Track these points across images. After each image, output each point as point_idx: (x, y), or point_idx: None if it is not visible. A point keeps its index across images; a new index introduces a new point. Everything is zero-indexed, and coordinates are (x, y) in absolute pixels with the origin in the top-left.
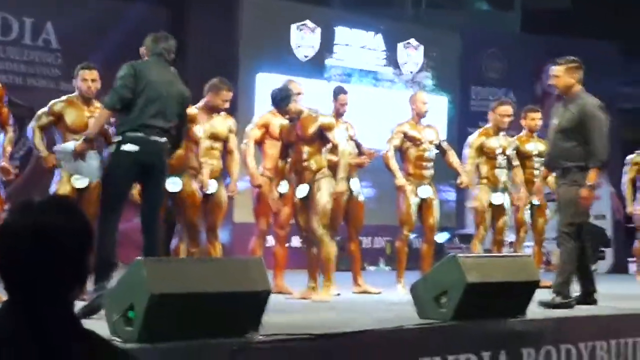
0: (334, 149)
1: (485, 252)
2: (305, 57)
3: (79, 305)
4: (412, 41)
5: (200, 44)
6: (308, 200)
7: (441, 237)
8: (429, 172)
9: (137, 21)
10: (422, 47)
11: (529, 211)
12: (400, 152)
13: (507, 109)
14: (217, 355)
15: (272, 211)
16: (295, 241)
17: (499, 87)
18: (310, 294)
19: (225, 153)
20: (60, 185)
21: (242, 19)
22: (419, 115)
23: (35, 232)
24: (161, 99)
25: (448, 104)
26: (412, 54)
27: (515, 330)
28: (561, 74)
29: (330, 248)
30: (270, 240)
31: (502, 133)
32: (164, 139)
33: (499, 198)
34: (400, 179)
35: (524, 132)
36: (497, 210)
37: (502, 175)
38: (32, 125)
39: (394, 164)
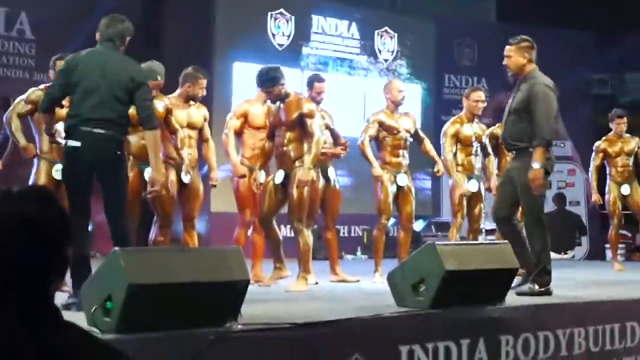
0: (309, 138)
1: (461, 240)
2: (281, 45)
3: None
4: (388, 29)
5: (175, 33)
6: (284, 187)
7: (417, 226)
8: (405, 161)
9: (112, 11)
10: (397, 36)
11: None
12: (377, 140)
13: (480, 95)
14: (195, 345)
15: (254, 201)
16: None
17: (472, 75)
18: (278, 274)
19: (201, 142)
20: (38, 175)
21: (217, 7)
22: (394, 104)
23: (14, 221)
24: (100, 89)
25: (423, 91)
26: (387, 42)
27: (493, 317)
28: (512, 53)
29: (307, 239)
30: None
31: (476, 120)
32: (110, 131)
33: (474, 185)
34: (377, 169)
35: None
36: (473, 198)
37: (477, 162)
38: (8, 114)
39: (370, 153)
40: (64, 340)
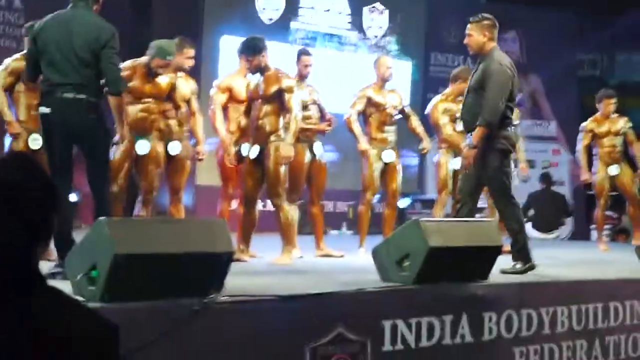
0: (287, 113)
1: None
2: (270, 20)
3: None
4: (378, 5)
5: (164, 7)
6: (259, 162)
7: (403, 203)
8: (392, 137)
9: None
10: (387, 12)
11: None
12: (364, 116)
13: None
14: (179, 315)
15: (238, 175)
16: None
17: (458, 54)
18: (239, 256)
19: (189, 115)
20: (15, 144)
21: None
22: (382, 80)
23: None
24: (65, 53)
25: (412, 68)
26: (376, 18)
27: (477, 294)
28: (473, 32)
29: (289, 213)
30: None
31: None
32: (80, 95)
33: (458, 162)
34: (364, 144)
35: None
36: (458, 175)
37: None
38: None
39: (357, 129)
40: (50, 307)
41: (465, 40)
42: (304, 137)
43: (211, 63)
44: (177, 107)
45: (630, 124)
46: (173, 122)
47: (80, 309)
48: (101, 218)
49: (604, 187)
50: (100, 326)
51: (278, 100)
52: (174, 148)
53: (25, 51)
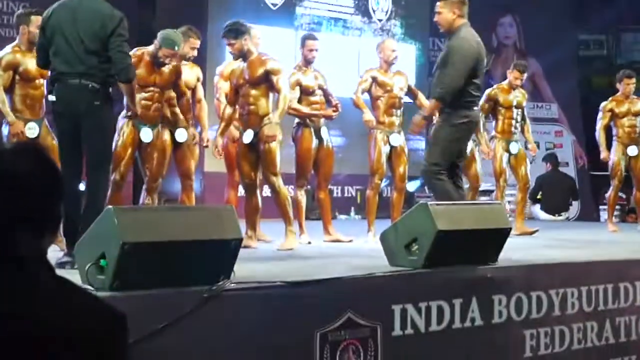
0: (276, 94)
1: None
2: (275, 5)
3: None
4: None
5: None
6: (254, 146)
7: (411, 186)
8: (399, 120)
9: None
10: None
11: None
12: (371, 99)
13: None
14: (188, 302)
15: None
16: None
17: None
18: (247, 242)
19: (194, 102)
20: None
21: None
22: (387, 63)
23: (6, 178)
24: (71, 41)
25: (417, 52)
26: (381, 2)
27: (486, 277)
28: (442, 9)
29: (286, 194)
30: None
31: None
32: (86, 81)
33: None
34: (368, 114)
35: (505, 83)
36: (467, 159)
37: None
38: None
39: (362, 102)
40: (58, 297)
41: (435, 18)
42: (311, 122)
43: (217, 49)
44: (182, 95)
45: None
46: (179, 110)
47: (88, 298)
48: (109, 207)
49: (620, 168)
50: (108, 315)
51: (265, 83)
52: (181, 135)
53: (16, 41)
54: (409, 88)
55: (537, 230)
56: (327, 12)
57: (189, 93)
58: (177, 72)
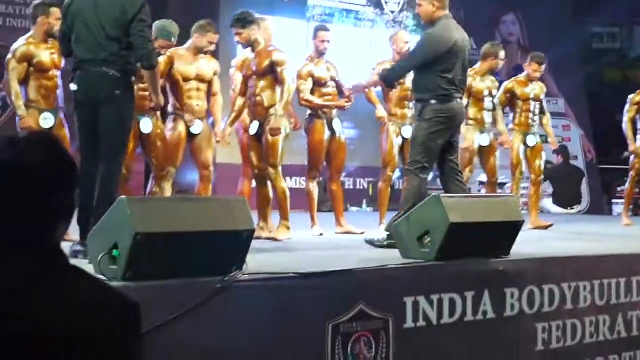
0: (281, 86)
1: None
2: None
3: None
4: None
5: None
6: (260, 137)
7: None
8: (411, 112)
9: None
10: None
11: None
12: (383, 92)
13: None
14: (201, 293)
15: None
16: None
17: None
18: (259, 233)
19: (210, 95)
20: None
21: None
22: (399, 55)
23: (18, 167)
24: (92, 28)
25: None
26: None
27: (498, 270)
28: (422, 2)
29: (283, 188)
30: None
31: (488, 75)
32: (106, 69)
33: (485, 139)
34: (381, 110)
35: (523, 75)
36: (486, 151)
37: (488, 117)
38: (6, 79)
39: (375, 97)
40: (72, 285)
41: (417, 10)
42: (323, 114)
43: (229, 42)
44: (174, 83)
45: None
46: (195, 102)
47: (102, 288)
48: (122, 197)
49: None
50: (122, 304)
51: (272, 75)
52: (196, 127)
53: (30, 33)
54: None
55: (552, 225)
56: (339, 4)
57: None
58: (170, 62)
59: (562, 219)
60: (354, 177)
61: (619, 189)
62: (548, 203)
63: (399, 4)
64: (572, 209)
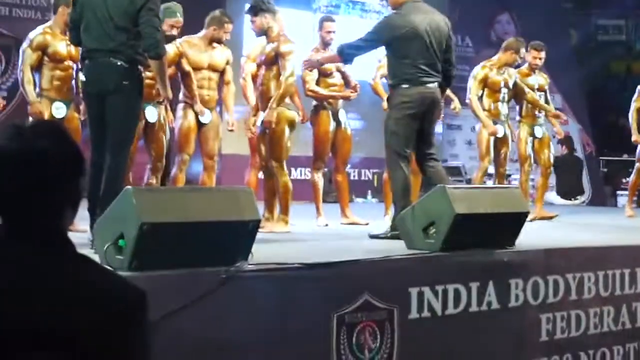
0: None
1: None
2: None
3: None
4: None
5: None
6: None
7: None
8: None
9: None
10: None
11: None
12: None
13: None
14: (206, 283)
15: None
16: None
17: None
18: (264, 224)
19: (222, 84)
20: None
21: None
22: None
23: (23, 156)
24: (99, 17)
25: None
26: None
27: (503, 261)
28: None
29: (285, 181)
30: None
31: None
32: (114, 59)
33: (501, 130)
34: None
35: (525, 67)
36: (499, 143)
37: (503, 109)
38: (21, 66)
39: (382, 90)
40: (80, 273)
41: None
42: (329, 105)
43: (235, 31)
44: (184, 74)
45: None
46: (206, 92)
47: (109, 275)
48: (128, 187)
49: None
50: (129, 291)
51: (276, 65)
52: (205, 117)
53: (49, 23)
54: None
55: (557, 215)
56: None
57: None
58: (180, 53)
59: (566, 210)
60: (359, 168)
61: (624, 180)
62: (552, 195)
63: None
64: (576, 199)
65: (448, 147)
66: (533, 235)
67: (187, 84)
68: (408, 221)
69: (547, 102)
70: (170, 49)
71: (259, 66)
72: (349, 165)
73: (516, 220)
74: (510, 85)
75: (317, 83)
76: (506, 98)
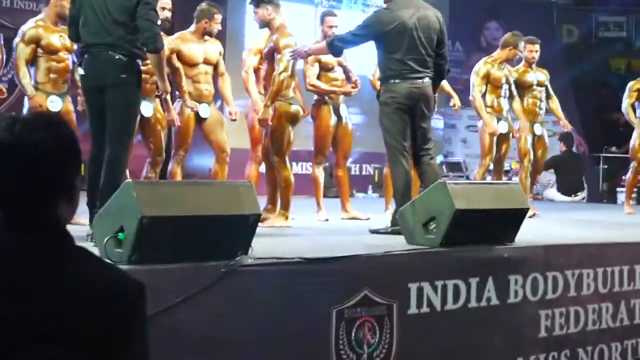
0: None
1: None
2: None
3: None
4: None
5: None
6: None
7: None
8: None
9: None
10: None
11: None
12: None
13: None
14: (206, 277)
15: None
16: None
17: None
18: (266, 216)
19: (216, 77)
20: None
21: None
22: None
23: (19, 147)
24: (97, 12)
25: None
26: None
27: (503, 257)
28: None
29: (286, 176)
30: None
31: (506, 64)
32: (112, 53)
33: (503, 127)
34: None
35: (521, 64)
36: (501, 140)
37: (505, 104)
38: (15, 62)
39: None
40: (79, 265)
41: None
42: (330, 99)
43: (236, 24)
44: (173, 71)
45: None
46: (204, 87)
47: (108, 268)
48: (128, 180)
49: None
50: (128, 283)
51: (274, 59)
52: (204, 111)
53: (41, 15)
54: None
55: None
56: None
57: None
58: (172, 50)
59: (567, 206)
60: (359, 163)
61: (623, 177)
62: (552, 192)
63: None
64: (576, 196)
65: (446, 145)
66: (533, 232)
67: (177, 80)
68: (408, 216)
69: (548, 97)
70: (165, 46)
71: (262, 59)
72: (349, 160)
73: (516, 217)
74: (511, 81)
75: (319, 78)
76: (507, 94)
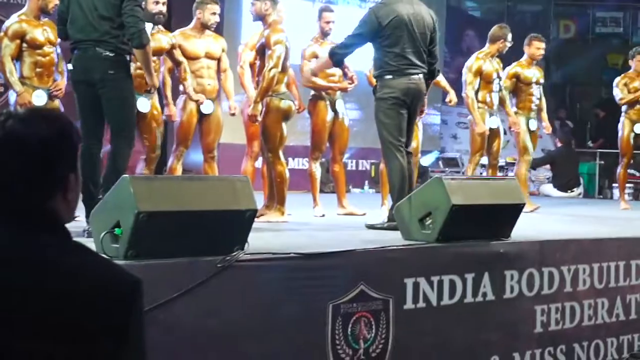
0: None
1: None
2: None
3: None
4: None
5: None
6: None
7: (426, 160)
8: None
9: None
10: None
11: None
12: None
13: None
14: (203, 272)
15: None
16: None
17: None
18: (264, 211)
19: (219, 72)
20: (20, 99)
21: None
22: None
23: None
24: (84, 10)
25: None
26: None
27: (499, 252)
28: None
29: (280, 171)
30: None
31: (495, 58)
32: (100, 49)
33: (494, 122)
34: None
35: (524, 59)
36: (492, 135)
37: (496, 99)
38: (1, 58)
39: None
40: (75, 260)
41: None
42: (327, 95)
43: (234, 19)
44: (177, 64)
45: None
46: (207, 82)
47: (104, 263)
48: (124, 175)
49: (629, 145)
50: (124, 278)
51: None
52: (207, 107)
53: (23, 10)
54: None
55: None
56: None
57: (185, 63)
58: (173, 45)
59: (563, 202)
60: (356, 159)
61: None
62: (548, 187)
63: None
64: (572, 191)
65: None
66: (529, 227)
67: (181, 75)
68: (404, 212)
69: (540, 96)
70: (164, 41)
71: (257, 54)
72: (346, 156)
73: (512, 212)
74: (501, 75)
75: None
76: (498, 88)
